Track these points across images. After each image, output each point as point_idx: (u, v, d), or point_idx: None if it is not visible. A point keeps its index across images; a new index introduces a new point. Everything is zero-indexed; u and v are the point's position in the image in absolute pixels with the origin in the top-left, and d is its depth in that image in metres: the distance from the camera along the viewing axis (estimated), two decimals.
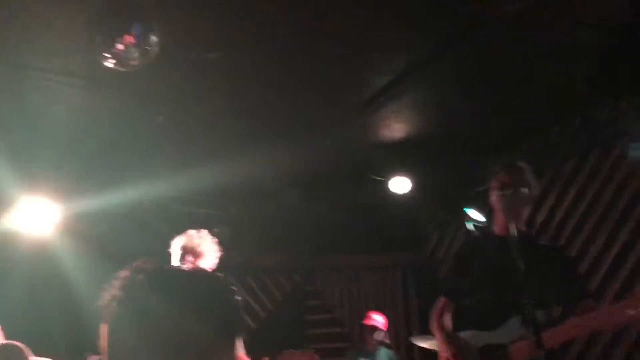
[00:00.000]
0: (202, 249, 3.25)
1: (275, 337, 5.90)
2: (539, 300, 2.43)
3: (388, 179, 5.79)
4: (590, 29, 3.85)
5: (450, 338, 2.86)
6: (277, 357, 3.29)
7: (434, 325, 2.97)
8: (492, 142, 5.18)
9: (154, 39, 3.23)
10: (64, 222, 5.08)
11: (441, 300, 3.02)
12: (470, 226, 5.43)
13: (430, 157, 5.66)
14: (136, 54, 3.24)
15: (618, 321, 2.47)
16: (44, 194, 4.90)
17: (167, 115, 4.43)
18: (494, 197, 2.83)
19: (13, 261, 4.90)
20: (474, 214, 5.48)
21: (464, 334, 2.81)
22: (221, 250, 3.34)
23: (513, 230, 2.47)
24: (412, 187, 5.77)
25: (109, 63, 3.27)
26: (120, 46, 3.15)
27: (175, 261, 3.26)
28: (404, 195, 5.83)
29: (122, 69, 3.31)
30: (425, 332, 4.11)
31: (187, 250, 3.28)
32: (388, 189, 5.80)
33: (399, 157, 5.60)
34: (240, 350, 2.94)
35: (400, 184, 5.77)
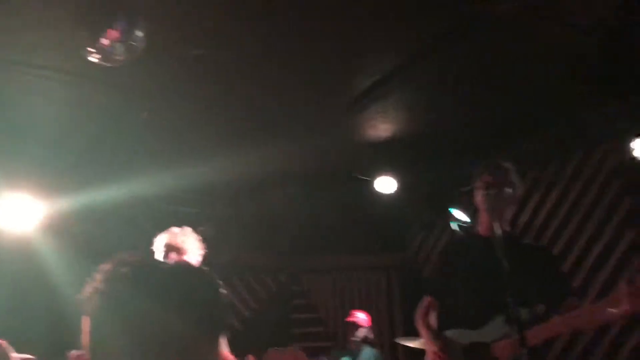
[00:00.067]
0: (185, 246, 3.23)
1: (260, 336, 5.89)
2: (523, 299, 2.44)
3: (374, 179, 5.79)
4: (576, 31, 3.89)
5: (435, 335, 2.87)
6: (262, 355, 3.27)
7: (419, 324, 2.98)
8: (477, 143, 5.21)
9: (139, 34, 3.20)
10: (47, 219, 5.02)
11: (426, 300, 3.04)
12: (454, 226, 5.46)
13: (416, 158, 5.67)
14: (121, 49, 3.21)
15: (599, 319, 2.49)
16: (27, 190, 4.84)
17: (152, 112, 4.39)
18: (479, 197, 2.84)
19: None
20: (458, 214, 5.50)
21: (449, 333, 2.82)
22: (205, 248, 3.32)
23: (497, 230, 2.48)
24: (397, 188, 5.78)
25: (94, 58, 3.24)
26: (105, 41, 3.12)
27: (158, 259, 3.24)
28: (389, 195, 5.84)
29: (107, 64, 3.28)
30: (410, 332, 4.12)
31: (170, 248, 3.25)
32: (374, 189, 5.81)
33: (385, 157, 5.61)
34: (224, 347, 2.92)
35: (386, 184, 5.78)
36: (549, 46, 4.04)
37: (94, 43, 3.17)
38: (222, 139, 5.10)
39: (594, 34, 3.88)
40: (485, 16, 3.58)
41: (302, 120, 4.93)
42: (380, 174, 5.76)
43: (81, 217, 5.28)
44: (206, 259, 3.33)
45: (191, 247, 3.26)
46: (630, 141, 4.60)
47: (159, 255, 3.27)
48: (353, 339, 5.60)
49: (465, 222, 5.20)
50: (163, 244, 3.28)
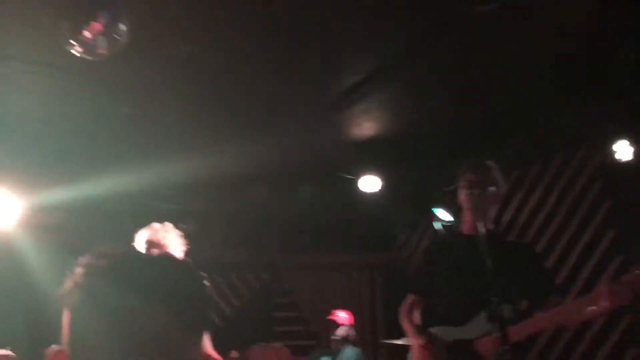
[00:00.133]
0: (167, 242, 3.19)
1: (243, 334, 5.86)
2: (506, 296, 2.46)
3: (358, 177, 5.80)
4: (557, 33, 3.92)
5: (420, 330, 2.88)
6: (247, 351, 3.25)
7: (403, 321, 2.99)
8: (461, 143, 5.23)
9: (123, 27, 3.16)
10: (26, 215, 4.95)
11: (410, 298, 3.05)
12: (438, 225, 5.49)
13: (400, 157, 5.68)
14: (104, 43, 3.16)
15: (581, 316, 2.52)
16: (6, 185, 4.77)
17: (134, 107, 4.35)
18: (462, 196, 2.85)
19: None
20: (442, 213, 5.53)
21: (433, 330, 2.84)
22: (187, 244, 3.29)
23: (481, 229, 2.49)
24: (381, 186, 5.79)
25: (76, 51, 3.18)
26: (87, 34, 3.07)
27: None
28: (373, 194, 5.84)
29: (90, 58, 3.23)
30: (393, 331, 4.13)
31: (151, 244, 3.21)
32: (358, 187, 5.81)
33: (369, 155, 5.62)
34: (207, 343, 2.90)
35: (370, 183, 5.79)
36: (531, 47, 4.07)
37: (77, 36, 3.11)
38: (205, 135, 5.06)
39: (575, 37, 3.92)
40: (468, 17, 3.60)
41: (287, 118, 4.92)
42: (364, 173, 5.77)
43: (61, 213, 5.22)
44: (188, 255, 3.30)
45: (173, 243, 3.23)
46: (611, 143, 4.66)
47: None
48: (333, 337, 5.60)
49: (448, 221, 5.23)
50: (144, 239, 3.24)
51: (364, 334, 6.35)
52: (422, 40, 3.87)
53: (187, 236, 3.31)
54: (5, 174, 4.74)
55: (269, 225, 6.58)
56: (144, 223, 3.41)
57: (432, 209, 5.58)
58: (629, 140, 4.58)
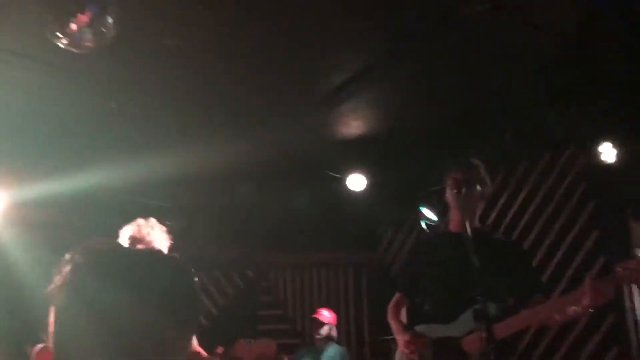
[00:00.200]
0: (151, 238, 3.15)
1: (226, 332, 5.83)
2: (493, 294, 2.47)
3: (344, 176, 5.79)
4: (544, 36, 3.95)
5: (406, 328, 2.89)
6: (233, 346, 3.23)
7: (390, 319, 3.00)
8: (448, 142, 5.25)
9: (110, 20, 3.12)
10: (10, 210, 4.89)
11: (397, 296, 3.06)
12: (424, 224, 5.51)
13: (387, 156, 5.69)
14: (90, 36, 3.12)
15: (564, 315, 2.54)
16: None
17: (120, 101, 4.30)
18: (449, 195, 2.86)
19: None
20: (428, 212, 5.55)
21: (419, 328, 2.84)
22: (172, 240, 3.25)
23: (468, 227, 2.50)
24: (368, 185, 5.79)
25: (62, 43, 3.14)
26: (73, 26, 3.03)
27: None
28: (359, 192, 5.84)
29: (75, 51, 3.18)
30: (377, 329, 4.13)
31: (136, 240, 3.17)
32: (344, 186, 5.81)
33: (356, 154, 5.62)
34: (194, 341, 2.88)
35: (356, 182, 5.78)
36: (518, 48, 4.10)
37: (62, 28, 3.07)
38: (191, 131, 5.03)
39: (562, 39, 3.95)
40: (455, 16, 3.61)
41: (274, 115, 4.90)
42: (351, 171, 5.76)
43: (46, 208, 5.16)
44: (172, 252, 3.28)
45: (157, 239, 3.19)
46: (596, 145, 4.70)
47: None
48: (317, 336, 5.60)
49: (434, 220, 5.25)
50: (128, 235, 3.20)
51: (349, 332, 6.36)
52: (410, 40, 3.88)
53: (172, 232, 3.28)
54: None
55: (254, 223, 6.55)
56: (129, 219, 3.37)
57: (419, 208, 5.60)
58: (613, 143, 4.61)
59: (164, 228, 3.21)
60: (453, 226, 2.94)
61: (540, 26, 3.86)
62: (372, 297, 6.60)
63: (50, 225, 5.22)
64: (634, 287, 4.74)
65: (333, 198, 6.18)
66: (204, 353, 2.98)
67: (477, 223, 2.87)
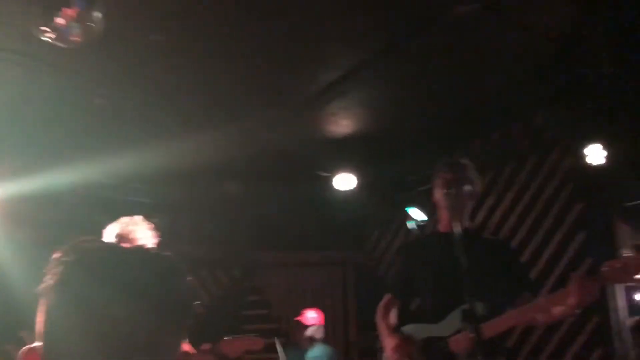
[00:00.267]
0: (137, 235, 3.12)
1: (212, 331, 5.79)
2: (482, 293, 2.47)
3: (333, 175, 5.77)
4: (534, 35, 3.96)
5: (393, 331, 2.87)
6: (218, 342, 3.21)
7: (379, 320, 2.99)
8: (437, 142, 5.26)
9: (97, 14, 3.08)
10: None
11: (386, 297, 3.05)
12: (412, 225, 5.51)
13: (376, 155, 5.68)
14: (77, 30, 3.07)
15: (550, 315, 2.55)
16: None
17: (106, 97, 4.25)
18: (438, 194, 2.86)
19: None
20: (416, 212, 5.55)
21: (407, 328, 2.84)
22: (158, 237, 3.22)
23: (457, 227, 2.50)
24: (357, 185, 5.77)
25: (47, 38, 3.09)
26: (60, 20, 2.98)
27: None
28: (348, 192, 5.83)
29: (61, 45, 3.14)
30: (364, 329, 4.12)
31: (121, 238, 3.14)
32: (333, 185, 5.79)
33: (345, 153, 5.60)
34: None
35: (345, 181, 5.77)
36: (508, 48, 4.11)
37: (48, 22, 3.02)
38: (177, 128, 4.98)
39: (551, 40, 3.97)
40: (446, 16, 3.61)
41: (262, 113, 4.88)
42: (339, 171, 5.74)
43: (29, 204, 5.09)
44: (159, 249, 3.24)
45: (143, 237, 3.16)
46: (584, 147, 4.72)
47: None
48: (301, 337, 5.56)
49: (423, 220, 5.25)
50: (114, 233, 3.17)
51: (335, 332, 6.34)
52: (401, 39, 3.87)
53: (157, 230, 3.25)
54: None
55: (241, 222, 6.52)
56: (114, 215, 3.33)
57: (407, 208, 5.60)
58: (601, 144, 4.64)
59: (150, 225, 3.18)
60: (442, 226, 2.94)
61: (529, 28, 3.87)
62: (359, 296, 6.59)
63: (35, 221, 5.16)
64: (618, 288, 4.78)
65: (321, 197, 6.16)
66: (192, 351, 2.96)
67: (466, 222, 2.87)
